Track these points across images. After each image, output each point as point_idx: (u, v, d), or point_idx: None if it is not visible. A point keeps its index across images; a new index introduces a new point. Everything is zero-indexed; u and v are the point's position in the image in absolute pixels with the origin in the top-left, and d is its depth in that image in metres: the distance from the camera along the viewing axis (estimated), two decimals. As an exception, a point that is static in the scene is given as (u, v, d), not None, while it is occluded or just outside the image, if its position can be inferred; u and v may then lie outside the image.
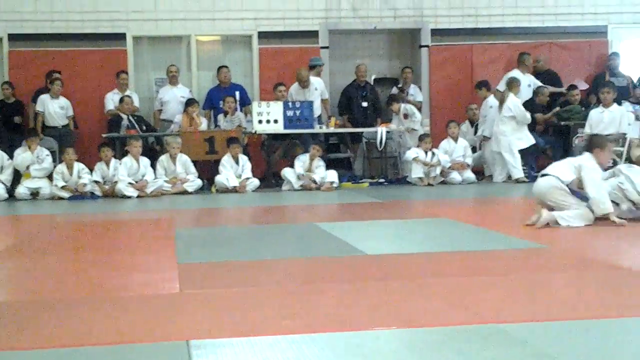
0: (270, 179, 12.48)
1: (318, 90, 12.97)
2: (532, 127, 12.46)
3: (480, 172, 13.06)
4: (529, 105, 12.42)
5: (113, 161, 11.63)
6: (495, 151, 12.16)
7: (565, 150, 12.33)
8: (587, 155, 6.96)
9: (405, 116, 12.98)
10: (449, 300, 4.13)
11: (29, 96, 12.83)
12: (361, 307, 4.01)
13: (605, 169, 7.15)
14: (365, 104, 13.40)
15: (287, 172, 11.90)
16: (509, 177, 12.06)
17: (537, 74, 13.42)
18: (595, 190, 6.74)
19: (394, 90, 13.75)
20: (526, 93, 12.94)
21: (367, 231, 7.12)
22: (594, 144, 7.07)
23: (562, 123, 12.68)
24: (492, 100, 12.52)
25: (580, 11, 14.15)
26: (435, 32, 14.05)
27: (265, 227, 7.88)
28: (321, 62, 13.39)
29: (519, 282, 4.58)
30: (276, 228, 7.65)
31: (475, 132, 13.18)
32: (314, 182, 11.70)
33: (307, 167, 11.89)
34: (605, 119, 11.00)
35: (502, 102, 12.05)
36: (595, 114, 10.93)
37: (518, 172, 11.88)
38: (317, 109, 12.90)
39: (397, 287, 4.49)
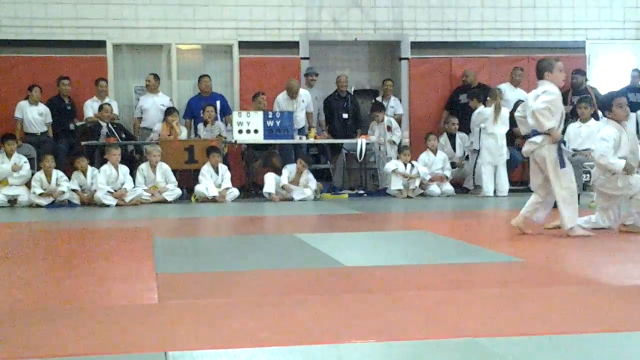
0: (250, 188, 12.48)
1: (305, 102, 13.04)
2: (511, 142, 12.55)
3: (460, 184, 13.13)
4: (510, 119, 12.49)
5: (90, 169, 11.59)
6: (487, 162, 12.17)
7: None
8: (541, 84, 7.00)
9: (389, 128, 13.04)
10: (426, 313, 4.15)
11: (6, 101, 12.75)
12: (339, 320, 4.02)
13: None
14: (345, 115, 13.46)
15: (267, 177, 11.88)
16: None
17: (468, 88, 13.45)
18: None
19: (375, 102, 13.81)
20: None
21: (346, 243, 7.14)
22: (541, 69, 7.03)
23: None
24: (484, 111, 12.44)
25: (559, 26, 14.31)
26: (415, 45, 14.15)
27: (245, 237, 7.87)
28: (314, 71, 13.47)
29: (496, 296, 4.60)
30: (255, 239, 7.65)
31: (454, 145, 13.25)
32: (291, 198, 11.72)
33: (292, 177, 11.90)
34: (582, 133, 11.09)
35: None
36: (572, 128, 11.02)
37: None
38: (302, 121, 12.95)
39: (375, 300, 4.50)
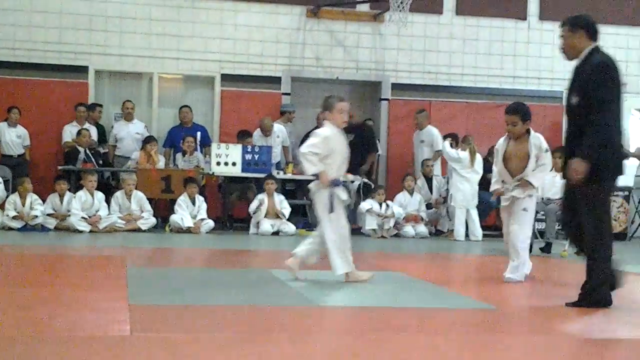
0: (225, 221, 12.48)
1: (280, 137, 13.11)
2: (486, 187, 12.65)
3: (435, 225, 13.22)
4: (484, 164, 12.64)
5: (67, 194, 11.55)
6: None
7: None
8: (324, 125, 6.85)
9: None
10: (397, 357, 4.18)
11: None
12: (311, 360, 4.03)
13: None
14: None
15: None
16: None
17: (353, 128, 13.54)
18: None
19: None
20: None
21: (319, 281, 7.14)
22: (323, 108, 6.88)
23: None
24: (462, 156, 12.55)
25: (537, 76, 14.52)
26: (396, 86, 14.31)
27: (219, 271, 7.86)
28: (292, 108, 13.55)
29: (461, 342, 4.64)
30: (230, 273, 7.64)
31: (430, 187, 13.35)
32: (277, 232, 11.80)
33: (268, 207, 11.89)
34: (557, 183, 11.20)
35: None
36: (547, 178, 11.14)
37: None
38: (277, 156, 13.00)
39: (346, 342, 4.52)
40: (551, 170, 11.53)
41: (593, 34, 5.93)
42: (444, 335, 4.83)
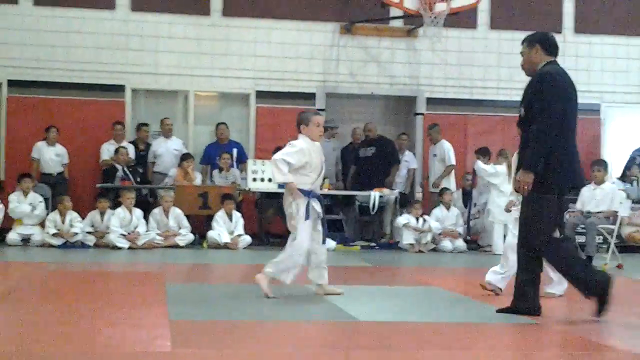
0: (262, 236, 12.51)
1: (317, 154, 13.11)
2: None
3: (474, 241, 13.10)
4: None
5: (107, 212, 11.67)
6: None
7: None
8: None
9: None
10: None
11: (24, 141, 12.88)
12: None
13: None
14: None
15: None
16: None
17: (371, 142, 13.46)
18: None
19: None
20: None
21: (358, 296, 7.12)
22: (298, 122, 6.84)
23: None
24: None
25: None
26: (431, 101, 14.26)
27: (257, 286, 7.85)
28: (335, 124, 13.60)
29: (505, 359, 4.59)
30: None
31: (465, 202, 13.26)
32: None
33: None
34: (597, 196, 11.09)
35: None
36: (587, 191, 11.02)
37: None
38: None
39: (388, 358, 4.49)
40: (590, 183, 11.48)
41: (548, 49, 6.02)
42: (490, 352, 4.77)
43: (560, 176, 5.79)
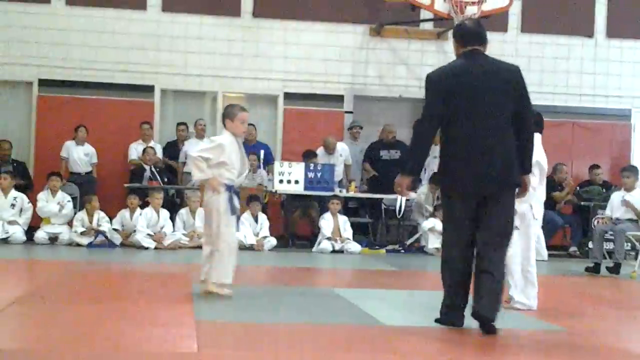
0: (287, 238, 12.51)
1: (342, 156, 13.15)
2: (551, 206, 12.44)
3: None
4: (548, 183, 12.42)
5: (136, 211, 11.72)
6: None
7: (584, 231, 12.29)
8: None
9: None
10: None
11: (53, 140, 12.98)
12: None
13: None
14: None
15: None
16: None
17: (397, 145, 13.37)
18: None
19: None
20: None
21: (384, 300, 7.09)
22: (224, 115, 6.75)
23: (582, 203, 12.68)
24: None
25: (604, 93, 14.25)
26: (460, 104, 14.16)
27: (283, 289, 7.87)
28: (359, 124, 13.58)
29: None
30: (293, 291, 7.62)
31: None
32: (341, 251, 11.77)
33: (333, 227, 11.93)
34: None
35: None
36: (616, 197, 10.90)
37: None
38: (340, 174, 13.01)
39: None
40: (620, 189, 11.35)
41: (460, 40, 5.65)
42: (516, 356, 4.73)
43: (445, 181, 5.55)
